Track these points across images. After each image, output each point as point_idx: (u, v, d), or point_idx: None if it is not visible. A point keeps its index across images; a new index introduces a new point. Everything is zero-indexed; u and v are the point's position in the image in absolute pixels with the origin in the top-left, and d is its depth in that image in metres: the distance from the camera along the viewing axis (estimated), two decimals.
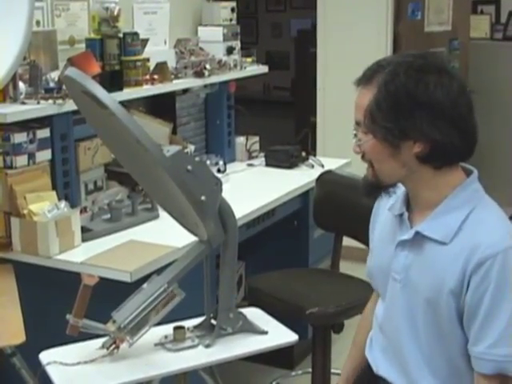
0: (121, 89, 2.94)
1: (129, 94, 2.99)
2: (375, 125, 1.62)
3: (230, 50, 3.66)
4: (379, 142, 1.63)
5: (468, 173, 1.71)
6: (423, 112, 1.58)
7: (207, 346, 1.97)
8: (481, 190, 1.70)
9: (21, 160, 2.52)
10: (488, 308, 1.58)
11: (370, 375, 1.86)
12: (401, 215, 1.75)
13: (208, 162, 3.32)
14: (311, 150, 4.61)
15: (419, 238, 1.68)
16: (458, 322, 1.64)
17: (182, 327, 2.01)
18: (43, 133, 2.60)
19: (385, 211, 1.82)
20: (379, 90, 1.60)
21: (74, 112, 2.59)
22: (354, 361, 2.00)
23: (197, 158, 1.89)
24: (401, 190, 1.75)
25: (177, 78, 3.31)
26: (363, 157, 1.69)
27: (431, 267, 1.66)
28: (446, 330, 1.66)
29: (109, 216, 2.76)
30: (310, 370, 2.96)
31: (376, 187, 1.72)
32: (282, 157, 3.66)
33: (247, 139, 3.85)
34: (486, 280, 1.57)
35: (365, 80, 1.65)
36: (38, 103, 2.58)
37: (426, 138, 1.59)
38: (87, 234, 2.61)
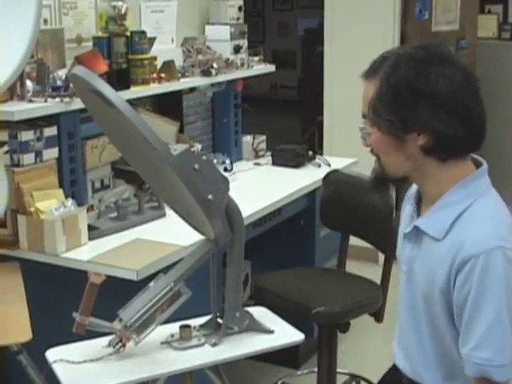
0: (128, 87, 2.95)
1: (136, 92, 2.99)
2: (379, 117, 1.62)
3: (237, 49, 3.66)
4: (384, 135, 1.63)
5: (478, 166, 1.67)
6: (425, 103, 1.56)
7: (213, 345, 1.97)
8: (483, 186, 1.65)
9: (28, 158, 2.53)
10: (470, 309, 1.55)
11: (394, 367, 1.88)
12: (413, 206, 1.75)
13: (215, 161, 3.31)
14: (318, 149, 4.61)
15: (419, 233, 1.68)
16: (451, 319, 1.62)
17: (188, 326, 2.01)
18: (50, 131, 2.60)
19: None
20: (381, 83, 1.60)
21: (82, 110, 2.59)
22: None
23: (204, 157, 1.88)
24: None
25: (184, 76, 3.31)
26: (372, 150, 1.69)
27: (427, 263, 1.65)
28: (442, 325, 1.65)
29: (115, 214, 2.76)
30: (316, 369, 2.96)
31: (383, 180, 1.71)
32: (289, 156, 3.65)
33: (254, 138, 3.84)
34: (469, 281, 1.54)
35: (370, 73, 1.64)
36: (46, 101, 2.59)
37: (429, 130, 1.58)
38: (94, 232, 2.61)
